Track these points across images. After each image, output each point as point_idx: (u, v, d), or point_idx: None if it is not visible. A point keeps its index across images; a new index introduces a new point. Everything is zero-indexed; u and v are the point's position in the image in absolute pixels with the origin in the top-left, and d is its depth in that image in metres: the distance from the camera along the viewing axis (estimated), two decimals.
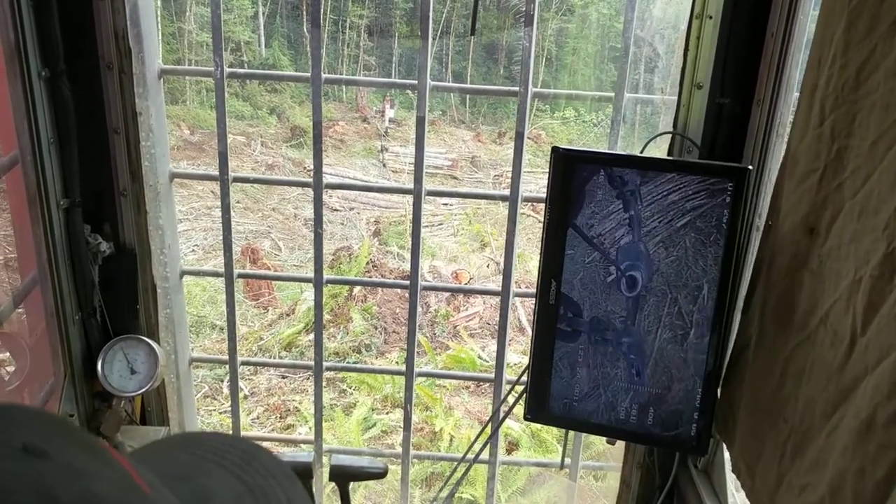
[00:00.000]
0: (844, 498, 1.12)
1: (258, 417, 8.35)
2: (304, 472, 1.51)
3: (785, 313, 1.32)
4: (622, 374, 1.50)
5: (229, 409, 8.16)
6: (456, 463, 1.96)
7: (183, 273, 2.02)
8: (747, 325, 1.45)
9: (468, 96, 20.34)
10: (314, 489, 1.89)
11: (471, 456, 1.88)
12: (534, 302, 1.54)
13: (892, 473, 1.02)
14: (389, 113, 19.45)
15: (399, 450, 2.19)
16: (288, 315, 10.18)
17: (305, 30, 21.07)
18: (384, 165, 16.93)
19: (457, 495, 6.04)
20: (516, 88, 1.83)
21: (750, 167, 1.38)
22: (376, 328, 9.59)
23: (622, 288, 1.47)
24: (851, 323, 1.14)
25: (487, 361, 8.09)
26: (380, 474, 1.56)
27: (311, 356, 2.11)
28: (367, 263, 10.75)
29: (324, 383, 7.54)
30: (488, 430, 1.96)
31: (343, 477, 1.55)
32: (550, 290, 1.51)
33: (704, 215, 1.41)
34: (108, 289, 1.76)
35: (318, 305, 2.02)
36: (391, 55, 22.52)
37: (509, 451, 6.68)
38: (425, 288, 1.98)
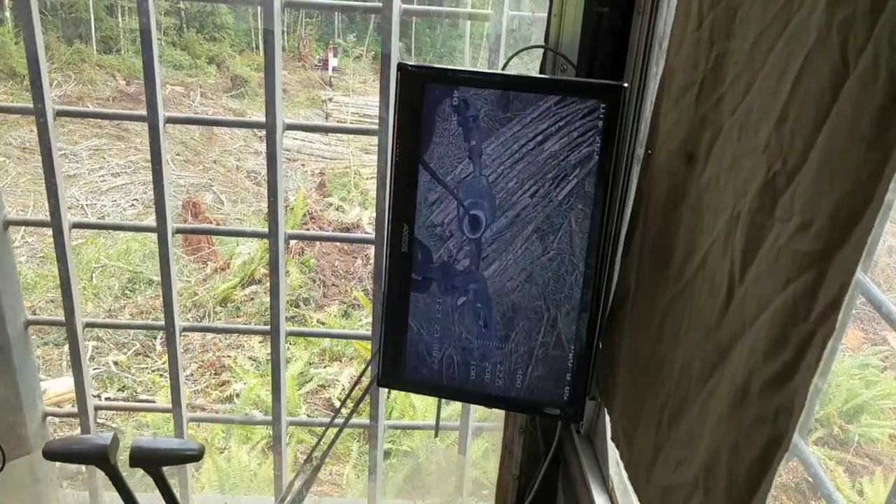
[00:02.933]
0: (717, 478, 0.92)
1: (192, 374, 8.15)
2: (98, 456, 1.26)
3: (662, 258, 1.11)
4: (475, 329, 1.29)
5: (161, 366, 7.94)
6: (327, 427, 1.74)
7: (8, 223, 1.75)
8: (626, 271, 1.24)
9: (413, 45, 19.85)
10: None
11: (339, 421, 1.67)
12: (384, 250, 1.31)
13: (767, 452, 0.83)
14: (333, 62, 19.05)
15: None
16: (223, 270, 9.91)
17: None
18: (327, 116, 16.51)
19: (394, 447, 5.86)
20: (379, 5, 1.58)
21: (625, 84, 1.15)
22: (314, 281, 9.37)
23: (466, 228, 1.25)
24: (729, 268, 0.93)
25: None
26: (194, 457, 1.32)
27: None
28: (304, 215, 10.45)
29: (259, 339, 7.28)
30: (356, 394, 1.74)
31: (148, 461, 1.31)
32: (402, 236, 1.28)
33: (573, 144, 1.18)
34: None
35: (164, 258, 1.77)
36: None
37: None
38: (291, 237, 1.74)
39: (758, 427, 0.84)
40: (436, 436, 1.62)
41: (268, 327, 1.84)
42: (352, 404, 1.68)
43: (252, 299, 9.05)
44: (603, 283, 1.27)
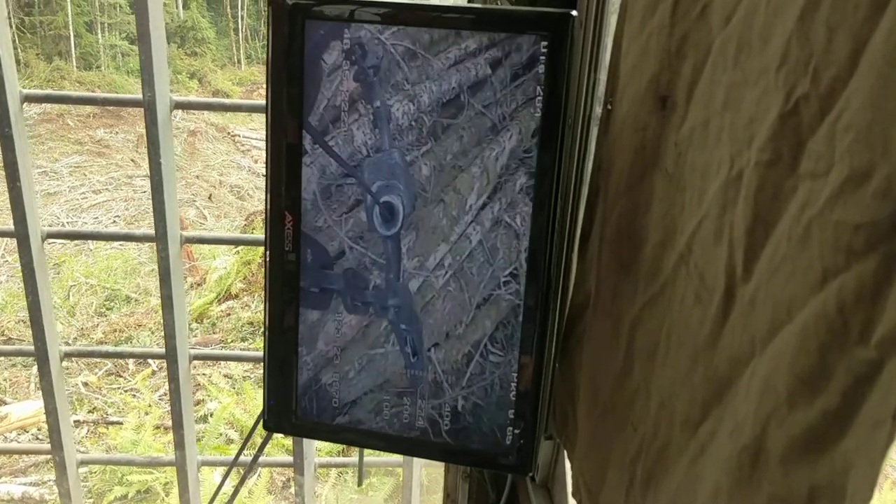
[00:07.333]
0: None
1: (166, 394, 7.82)
2: None
3: (628, 250, 0.78)
4: (395, 358, 0.95)
5: (135, 386, 7.61)
6: (228, 471, 1.40)
7: None
8: (585, 271, 0.91)
9: None
10: None
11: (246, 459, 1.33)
12: (263, 252, 0.98)
13: None
14: None
15: None
16: (199, 285, 9.64)
17: None
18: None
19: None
20: None
21: (574, 13, 0.82)
22: None
23: (376, 222, 0.91)
24: (726, 259, 0.60)
25: None
26: None
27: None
28: None
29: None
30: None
31: None
32: (285, 230, 0.95)
33: (507, 97, 0.85)
34: None
35: (28, 269, 1.42)
36: None
37: None
38: (189, 240, 1.40)
39: None
40: (359, 485, 1.29)
41: (163, 350, 1.50)
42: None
43: (228, 315, 8.75)
44: (556, 284, 0.95)
